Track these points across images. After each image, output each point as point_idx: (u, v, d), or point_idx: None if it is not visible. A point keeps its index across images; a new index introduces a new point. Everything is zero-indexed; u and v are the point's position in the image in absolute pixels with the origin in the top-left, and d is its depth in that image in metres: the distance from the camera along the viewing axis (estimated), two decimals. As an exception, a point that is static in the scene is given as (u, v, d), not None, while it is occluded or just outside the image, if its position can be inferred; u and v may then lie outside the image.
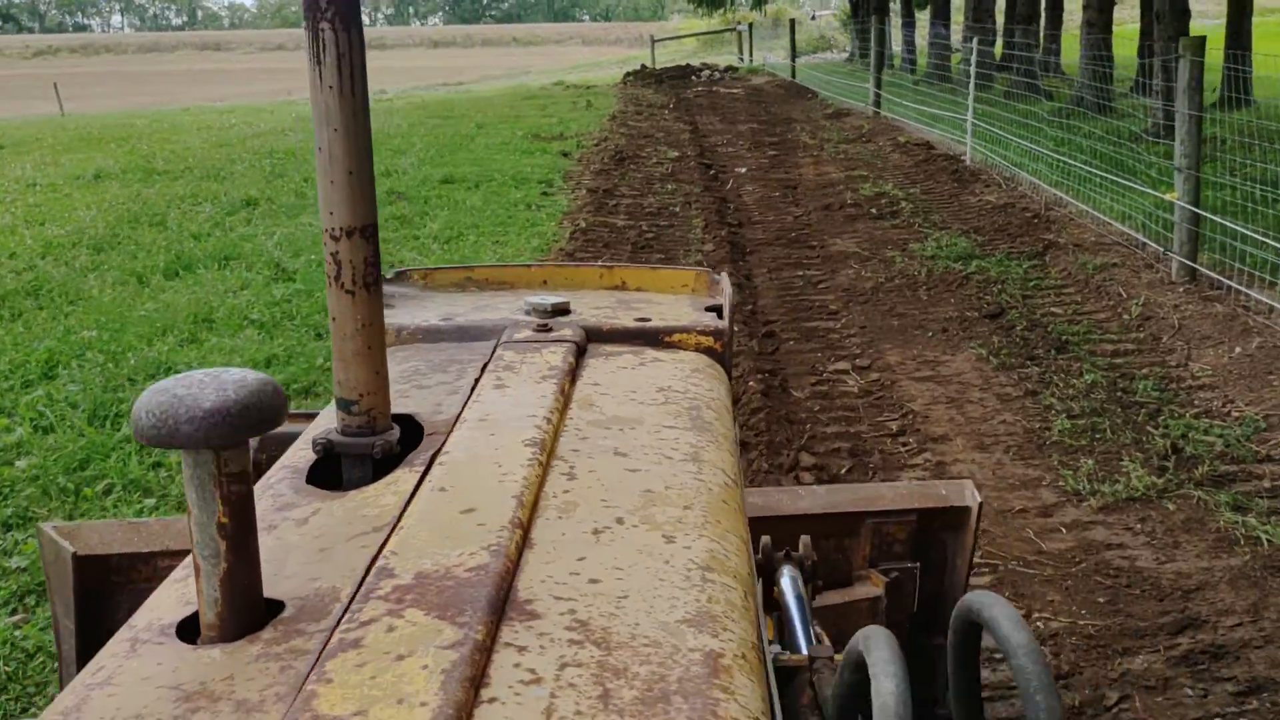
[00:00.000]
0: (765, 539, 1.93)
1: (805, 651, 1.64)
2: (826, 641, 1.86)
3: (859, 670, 1.02)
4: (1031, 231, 8.64)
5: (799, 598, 1.88)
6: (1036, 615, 3.67)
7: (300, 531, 1.11)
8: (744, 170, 12.54)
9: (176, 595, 1.02)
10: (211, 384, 0.88)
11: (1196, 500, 4.34)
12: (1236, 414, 5.19)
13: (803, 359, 6.30)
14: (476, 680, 0.84)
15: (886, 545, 2.37)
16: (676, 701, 0.83)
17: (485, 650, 0.88)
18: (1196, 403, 5.37)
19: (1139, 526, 4.19)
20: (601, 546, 1.07)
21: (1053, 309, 6.84)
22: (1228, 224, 6.96)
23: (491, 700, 0.83)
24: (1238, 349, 5.87)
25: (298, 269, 7.84)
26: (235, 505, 0.91)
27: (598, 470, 1.26)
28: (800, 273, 8.03)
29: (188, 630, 0.95)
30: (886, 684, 0.94)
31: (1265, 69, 14.95)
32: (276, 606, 0.97)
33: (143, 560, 1.74)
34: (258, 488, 1.21)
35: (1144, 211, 8.38)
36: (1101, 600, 3.74)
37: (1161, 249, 7.30)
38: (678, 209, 10.28)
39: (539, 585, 1.00)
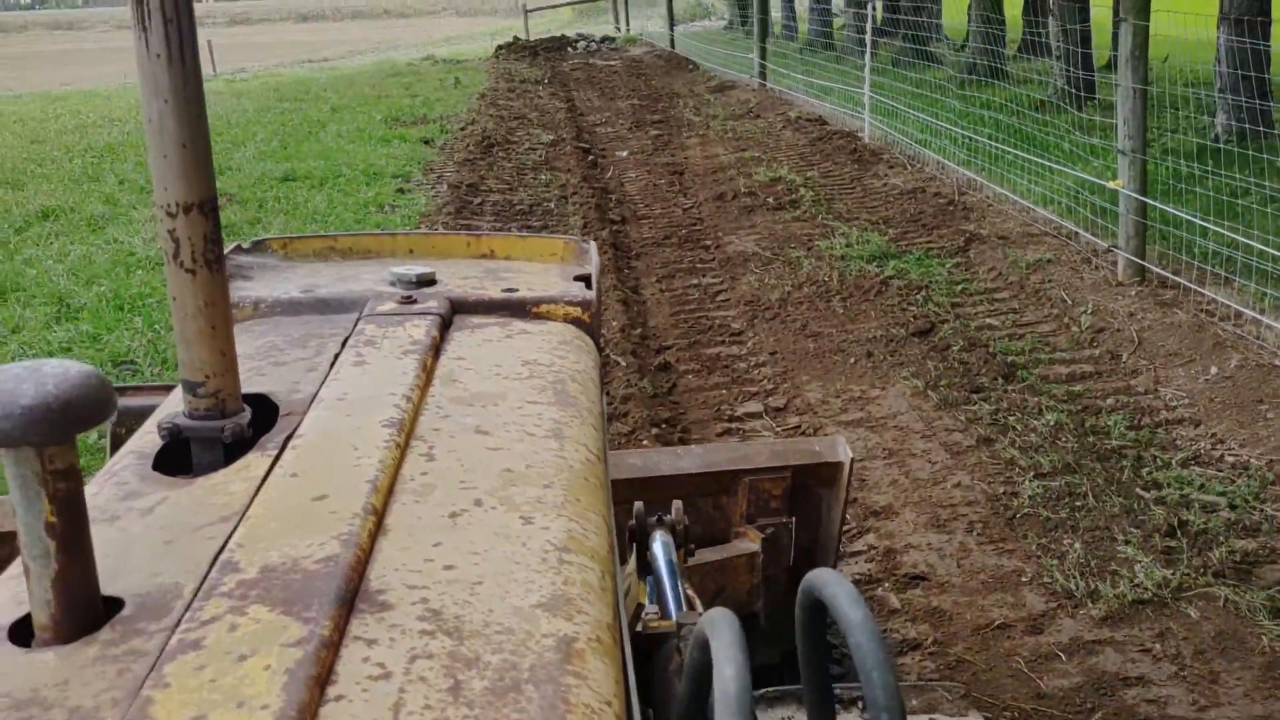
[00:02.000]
0: (638, 505, 2.01)
1: (674, 617, 1.73)
2: (698, 606, 1.94)
3: (706, 651, 0.97)
4: (948, 221, 7.70)
5: (669, 563, 1.96)
6: (1054, 812, 2.65)
7: (144, 522, 1.07)
8: (626, 154, 11.38)
9: (10, 593, 0.97)
10: (30, 379, 0.83)
11: (1223, 602, 3.39)
12: (1232, 458, 4.28)
13: (705, 398, 5.21)
14: (322, 679, 0.82)
15: (763, 501, 2.47)
16: (528, 690, 0.82)
17: (332, 646, 0.85)
18: (1179, 444, 4.45)
19: (1159, 648, 3.21)
20: (458, 530, 1.05)
21: (989, 321, 5.88)
22: (1179, 213, 6.10)
23: (339, 698, 0.80)
24: (1213, 369, 4.98)
25: (86, 303, 6.41)
26: (63, 504, 0.87)
27: (458, 450, 1.22)
28: (695, 281, 6.94)
29: (21, 631, 0.91)
30: (728, 670, 0.91)
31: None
32: (115, 604, 0.92)
33: None
34: (102, 474, 1.19)
35: (1067, 193, 7.53)
36: (1136, 779, 2.75)
37: (1107, 244, 6.40)
38: (553, 205, 9.08)
39: (392, 574, 0.97)
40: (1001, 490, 4.14)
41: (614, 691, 0.88)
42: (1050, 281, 6.27)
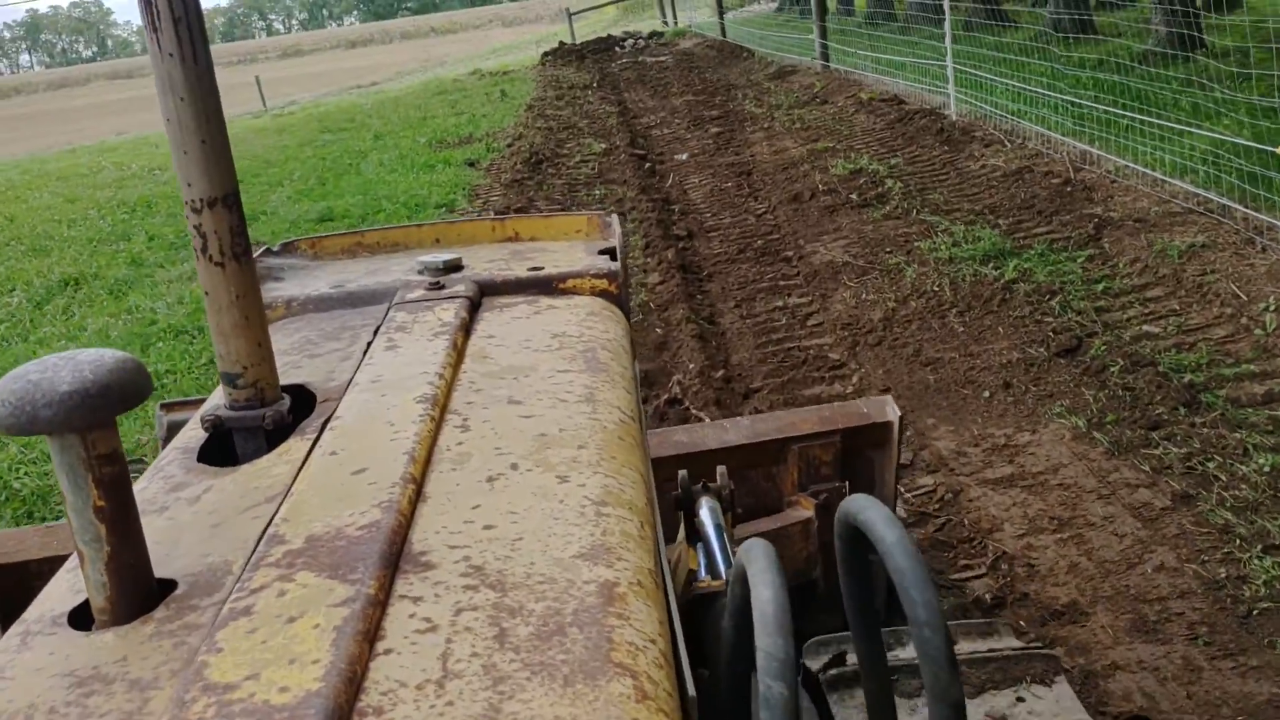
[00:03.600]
0: (683, 473, 2.05)
1: (725, 577, 1.77)
2: None
3: (745, 584, 0.99)
4: (1069, 205, 6.64)
5: (718, 526, 1.98)
6: None
7: (192, 510, 1.10)
8: (685, 157, 10.46)
9: (67, 585, 1.01)
10: (67, 366, 0.87)
11: None
12: None
13: (810, 455, 4.27)
14: (370, 634, 0.84)
15: (814, 468, 2.47)
16: (572, 633, 0.84)
17: (379, 605, 0.87)
18: None
19: None
20: (496, 493, 1.06)
21: (1147, 328, 4.84)
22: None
23: (387, 652, 0.82)
24: None
25: (96, 390, 5.68)
26: (110, 487, 0.90)
27: (492, 420, 1.24)
28: (780, 303, 5.99)
29: (80, 619, 0.95)
30: (764, 592, 0.92)
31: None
32: (169, 585, 0.96)
33: (61, 563, 1.53)
34: (149, 471, 1.22)
35: (1204, 158, 6.43)
36: None
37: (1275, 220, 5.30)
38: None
39: (434, 536, 0.99)
40: (1223, 573, 3.14)
41: (658, 631, 0.89)
42: (1212, 272, 5.20)
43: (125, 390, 0.86)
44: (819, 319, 5.67)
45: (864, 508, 1.04)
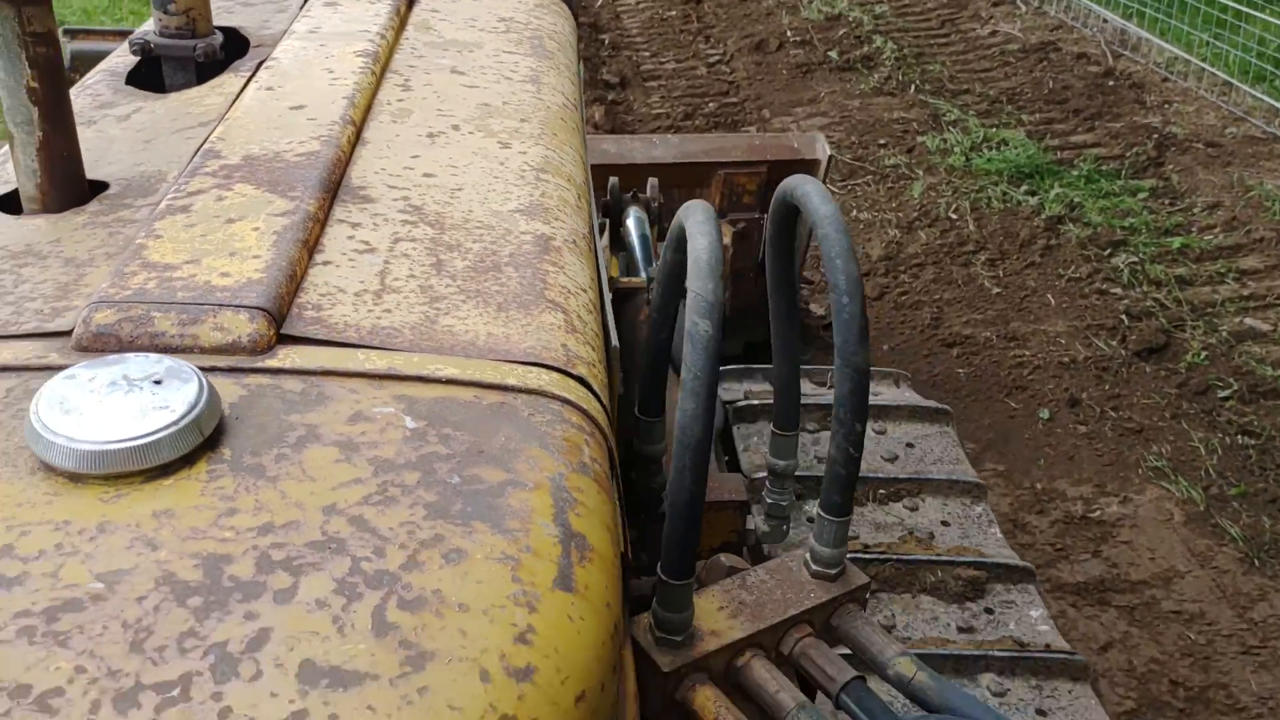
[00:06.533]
0: (613, 180, 2.10)
1: (645, 276, 1.81)
2: None
3: (680, 249, 0.99)
4: (1114, 108, 5.19)
5: (643, 236, 2.07)
6: None
7: (121, 126, 1.11)
8: (620, -33, 8.55)
9: None
10: None
11: None
12: None
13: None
14: (310, 245, 0.87)
15: (736, 196, 2.59)
16: (508, 271, 0.90)
17: (318, 222, 0.91)
18: None
19: None
20: (436, 148, 1.10)
21: (1250, 322, 3.53)
22: None
23: (326, 263, 0.87)
24: None
25: None
26: (44, 69, 0.89)
27: (434, 84, 1.26)
28: (741, 206, 4.48)
29: (10, 206, 0.95)
30: (701, 240, 0.93)
31: None
32: (100, 186, 0.98)
33: None
34: (74, 90, 1.19)
35: (1275, 58, 5.04)
36: None
37: None
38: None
39: (373, 175, 1.02)
40: None
41: (589, 284, 0.96)
42: (1329, 240, 3.89)
43: None
44: (795, 241, 4.21)
45: (801, 183, 1.05)
